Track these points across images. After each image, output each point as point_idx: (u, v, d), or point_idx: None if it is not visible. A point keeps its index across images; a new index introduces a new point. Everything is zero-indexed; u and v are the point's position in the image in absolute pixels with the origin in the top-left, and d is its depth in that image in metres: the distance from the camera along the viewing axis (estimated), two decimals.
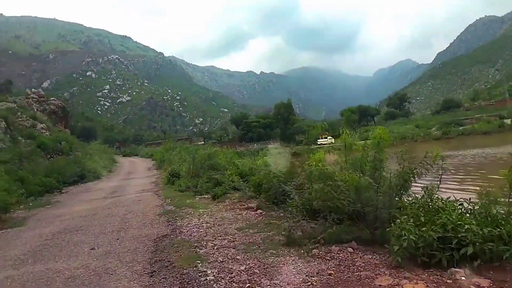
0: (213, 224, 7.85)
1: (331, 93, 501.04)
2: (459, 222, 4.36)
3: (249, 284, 4.37)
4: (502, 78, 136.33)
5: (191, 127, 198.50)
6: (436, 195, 5.15)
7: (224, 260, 5.33)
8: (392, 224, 4.61)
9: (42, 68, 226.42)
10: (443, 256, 4.24)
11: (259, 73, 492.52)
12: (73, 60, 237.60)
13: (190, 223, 8.09)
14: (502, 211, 4.73)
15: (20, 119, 26.65)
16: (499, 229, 4.27)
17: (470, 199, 5.10)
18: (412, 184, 5.49)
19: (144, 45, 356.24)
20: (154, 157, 38.60)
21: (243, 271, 4.82)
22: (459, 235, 4.23)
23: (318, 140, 29.78)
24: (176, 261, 5.43)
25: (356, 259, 4.86)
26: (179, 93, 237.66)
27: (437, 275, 4.12)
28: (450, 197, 5.23)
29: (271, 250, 5.56)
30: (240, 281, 4.50)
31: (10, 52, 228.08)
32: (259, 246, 5.86)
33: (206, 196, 12.31)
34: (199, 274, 4.81)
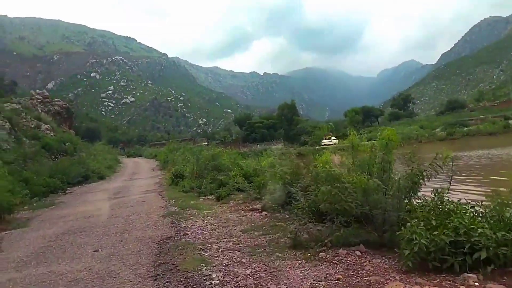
0: (218, 225, 7.76)
1: (334, 93, 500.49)
2: (471, 226, 4.24)
3: None
4: (506, 78, 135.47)
5: (194, 128, 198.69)
6: (447, 198, 5.02)
7: (229, 263, 5.23)
8: (402, 228, 4.49)
9: (47, 69, 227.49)
10: (456, 261, 4.13)
11: (262, 74, 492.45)
12: (77, 61, 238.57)
13: (194, 225, 8.00)
14: None
15: (24, 120, 26.66)
16: None
17: (481, 202, 4.97)
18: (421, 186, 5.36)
19: (148, 46, 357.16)
20: (158, 158, 38.55)
21: (249, 275, 4.72)
22: (472, 239, 4.11)
23: (322, 141, 29.63)
24: (181, 264, 5.34)
25: (364, 263, 4.75)
26: (183, 94, 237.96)
27: (449, 281, 4.00)
28: (461, 199, 5.11)
29: (277, 253, 5.46)
30: (246, 285, 4.40)
31: (14, 53, 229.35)
32: (265, 249, 5.77)
33: (210, 197, 12.22)
34: (204, 278, 4.71)
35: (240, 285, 4.43)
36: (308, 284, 4.26)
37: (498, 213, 4.59)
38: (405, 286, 3.90)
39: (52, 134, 27.96)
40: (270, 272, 4.74)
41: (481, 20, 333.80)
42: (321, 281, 4.30)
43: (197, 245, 6.30)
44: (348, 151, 6.13)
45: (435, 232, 4.19)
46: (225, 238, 6.64)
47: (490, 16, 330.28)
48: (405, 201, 5.28)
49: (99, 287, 4.82)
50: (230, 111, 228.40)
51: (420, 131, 65.03)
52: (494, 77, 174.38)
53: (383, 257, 4.91)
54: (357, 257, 4.99)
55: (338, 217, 5.43)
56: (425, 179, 5.17)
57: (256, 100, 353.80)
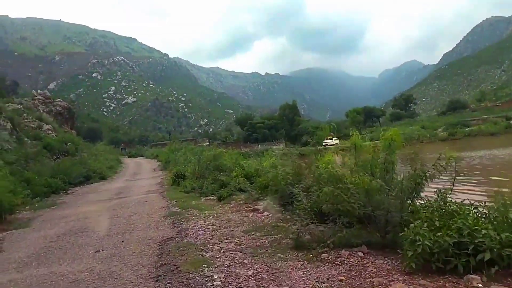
0: (219, 226, 7.73)
1: (336, 94, 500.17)
2: (475, 227, 4.21)
3: None
4: (508, 79, 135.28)
5: (196, 128, 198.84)
6: (450, 198, 4.99)
7: (231, 264, 5.21)
8: (405, 229, 4.46)
9: (48, 70, 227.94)
10: (459, 262, 4.09)
11: (264, 74, 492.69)
12: (79, 61, 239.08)
13: (195, 225, 7.97)
14: None
15: (26, 120, 26.70)
16: None
17: (485, 202, 4.94)
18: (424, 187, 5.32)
19: (149, 47, 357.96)
20: (159, 158, 38.55)
21: (251, 276, 4.69)
22: (475, 241, 4.08)
23: (324, 142, 29.59)
24: (182, 265, 5.31)
25: (367, 264, 4.72)
26: (184, 94, 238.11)
27: (453, 282, 3.97)
28: (464, 200, 5.08)
29: (279, 254, 5.43)
30: (248, 286, 4.37)
31: (16, 53, 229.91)
32: (267, 250, 5.74)
33: (211, 197, 12.20)
34: (206, 279, 4.69)
35: (242, 286, 4.40)
36: (311, 285, 4.23)
37: (502, 214, 4.56)
38: None
39: (53, 135, 27.99)
40: (272, 273, 4.71)
41: (483, 20, 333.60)
42: (323, 283, 4.27)
43: (198, 246, 6.27)
44: (351, 151, 6.09)
45: (439, 233, 4.16)
46: (226, 239, 6.62)
47: (492, 16, 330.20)
48: (408, 202, 5.24)
49: None
50: (231, 111, 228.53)
51: (421, 132, 64.85)
52: (496, 77, 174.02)
53: (386, 258, 4.88)
54: (359, 258, 4.96)
55: (341, 218, 5.40)
56: (428, 180, 5.13)
57: (257, 101, 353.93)
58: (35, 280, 5.33)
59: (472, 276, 3.98)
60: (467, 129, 63.29)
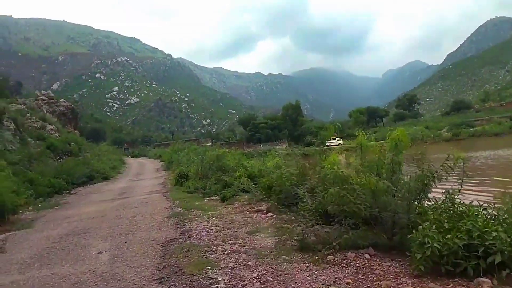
0: (223, 227, 7.65)
1: (339, 94, 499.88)
2: (485, 229, 4.11)
3: None
4: None
5: (199, 129, 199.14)
6: (458, 200, 4.89)
7: (235, 266, 5.13)
8: (414, 231, 4.36)
9: (52, 70, 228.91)
10: (469, 265, 3.99)
11: (267, 74, 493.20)
12: (82, 62, 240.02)
13: (199, 226, 7.90)
14: None
15: (29, 121, 26.73)
16: None
17: (494, 204, 4.83)
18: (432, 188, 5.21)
19: (152, 47, 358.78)
20: (163, 158, 38.56)
21: (256, 278, 4.61)
22: (486, 243, 3.98)
23: (327, 142, 29.46)
24: (186, 267, 5.24)
25: (374, 267, 4.63)
26: (187, 94, 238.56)
27: (463, 286, 3.89)
28: (472, 201, 4.97)
29: (284, 256, 5.35)
30: None
31: (19, 54, 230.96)
32: (271, 252, 5.66)
33: (214, 198, 12.13)
34: (210, 282, 4.61)
35: None
36: None
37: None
38: None
39: (57, 135, 28.03)
40: (277, 276, 4.62)
41: (487, 21, 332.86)
42: (330, 286, 4.18)
43: (202, 247, 6.19)
44: (356, 151, 6.00)
45: (448, 236, 4.07)
46: (230, 240, 6.54)
47: (496, 17, 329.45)
48: (415, 203, 5.14)
49: None
50: (234, 111, 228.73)
51: (425, 132, 64.63)
52: (500, 77, 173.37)
53: (393, 261, 4.78)
54: (366, 260, 4.87)
55: (346, 219, 5.31)
56: (436, 180, 5.03)
57: (260, 101, 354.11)
58: (37, 281, 5.26)
59: (483, 279, 3.89)
60: (471, 129, 63.06)
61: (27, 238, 8.40)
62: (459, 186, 5.16)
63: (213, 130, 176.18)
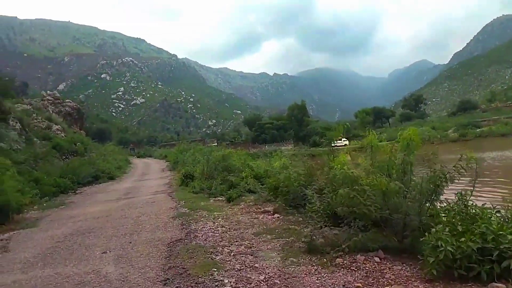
0: (229, 228, 7.55)
1: (345, 94, 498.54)
2: (500, 232, 3.98)
3: None
4: None
5: (204, 129, 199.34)
6: (471, 202, 4.74)
7: (241, 268, 5.02)
8: (426, 234, 4.23)
9: (58, 71, 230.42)
10: (483, 269, 3.87)
11: (272, 75, 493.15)
12: (88, 62, 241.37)
13: (204, 227, 7.80)
14: None
15: (35, 121, 26.81)
16: None
17: (508, 206, 4.69)
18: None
19: (157, 47, 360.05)
20: (168, 159, 38.54)
21: (263, 281, 4.50)
22: (500, 247, 3.85)
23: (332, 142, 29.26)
24: (191, 268, 5.14)
25: (384, 270, 4.50)
26: (193, 95, 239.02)
27: None
28: (485, 203, 4.84)
29: (291, 258, 5.23)
30: None
31: (25, 55, 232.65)
32: (279, 253, 5.54)
33: (220, 198, 12.03)
34: (216, 284, 4.51)
35: None
36: None
37: None
38: None
39: (63, 135, 28.09)
40: (285, 279, 4.51)
41: (493, 19, 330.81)
42: None
43: (208, 248, 6.10)
44: (366, 152, 5.86)
45: (462, 239, 3.94)
46: (236, 241, 6.43)
47: (502, 15, 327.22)
48: (427, 205, 5.00)
49: None
50: (239, 112, 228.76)
51: (432, 132, 64.14)
52: (507, 77, 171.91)
53: (404, 264, 4.66)
54: (376, 263, 4.75)
55: (356, 221, 5.18)
56: (449, 182, 4.89)
57: (265, 101, 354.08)
58: (40, 281, 5.19)
59: (497, 284, 3.76)
60: (478, 130, 62.50)
61: (31, 237, 8.35)
62: (471, 188, 5.03)
63: (219, 131, 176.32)
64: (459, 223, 4.23)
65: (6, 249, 7.39)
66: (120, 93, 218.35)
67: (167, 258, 5.75)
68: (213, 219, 8.62)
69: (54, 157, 21.45)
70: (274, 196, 9.45)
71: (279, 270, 4.83)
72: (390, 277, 4.30)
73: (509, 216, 4.58)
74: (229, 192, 11.78)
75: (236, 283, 4.49)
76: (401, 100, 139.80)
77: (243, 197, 11.15)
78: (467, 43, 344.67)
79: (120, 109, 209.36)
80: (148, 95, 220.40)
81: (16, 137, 20.31)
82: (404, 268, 4.55)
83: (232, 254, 5.71)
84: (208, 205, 10.78)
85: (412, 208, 4.86)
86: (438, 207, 5.03)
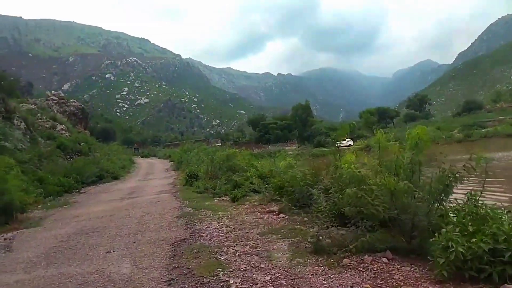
0: (234, 228, 7.48)
1: (349, 94, 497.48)
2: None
3: None
4: None
5: (208, 129, 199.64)
6: (481, 202, 4.65)
7: (247, 268, 4.95)
8: (436, 234, 4.14)
9: (62, 71, 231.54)
10: (494, 271, 3.77)
11: (276, 75, 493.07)
12: (92, 62, 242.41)
13: (209, 227, 7.74)
14: None
15: (40, 120, 26.90)
16: None
17: None
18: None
19: (161, 47, 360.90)
20: (172, 158, 38.57)
21: (269, 281, 4.43)
22: None
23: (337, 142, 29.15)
24: (196, 269, 5.07)
25: (393, 271, 4.41)
26: (197, 95, 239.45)
27: None
28: (495, 203, 4.74)
29: (297, 259, 5.15)
30: None
31: (30, 55, 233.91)
32: (284, 254, 5.47)
33: (225, 198, 11.98)
34: (221, 284, 4.44)
35: None
36: None
37: None
38: None
39: (67, 134, 28.16)
40: (291, 279, 4.43)
41: (498, 19, 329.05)
42: None
43: (212, 248, 6.03)
44: (374, 151, 5.77)
45: (473, 239, 3.85)
46: (241, 242, 6.36)
47: (507, 14, 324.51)
48: (436, 205, 4.91)
49: None
50: (243, 112, 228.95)
51: (437, 133, 63.74)
52: (511, 77, 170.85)
53: (412, 265, 4.57)
54: (384, 264, 4.66)
55: (363, 221, 5.09)
56: (458, 181, 4.79)
57: (269, 101, 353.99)
58: (43, 281, 5.14)
59: (509, 286, 3.67)
60: (483, 130, 62.10)
61: (35, 236, 8.31)
62: (480, 188, 4.94)
63: (222, 131, 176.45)
64: (470, 224, 4.14)
65: (9, 248, 7.36)
66: (125, 93, 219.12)
67: (172, 258, 5.68)
68: (218, 219, 8.55)
69: (58, 157, 21.50)
70: (279, 196, 9.37)
71: (285, 270, 4.75)
72: (399, 278, 4.21)
73: None
74: (233, 191, 11.72)
75: (241, 284, 4.42)
76: (406, 100, 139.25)
77: (247, 196, 11.10)
78: (471, 43, 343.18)
79: (124, 109, 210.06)
80: (152, 95, 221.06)
81: (21, 137, 20.35)
82: (413, 269, 4.46)
83: (237, 254, 5.64)
84: (213, 205, 10.72)
85: (420, 208, 4.76)
86: (448, 207, 4.93)
